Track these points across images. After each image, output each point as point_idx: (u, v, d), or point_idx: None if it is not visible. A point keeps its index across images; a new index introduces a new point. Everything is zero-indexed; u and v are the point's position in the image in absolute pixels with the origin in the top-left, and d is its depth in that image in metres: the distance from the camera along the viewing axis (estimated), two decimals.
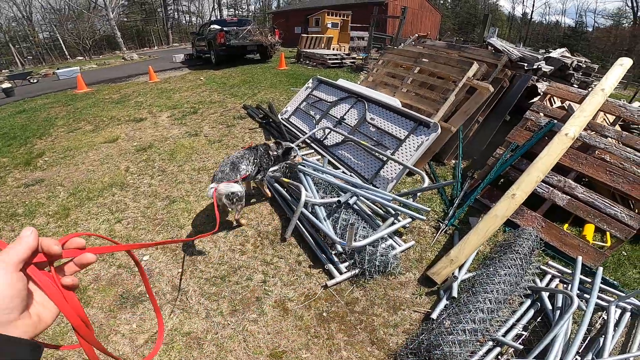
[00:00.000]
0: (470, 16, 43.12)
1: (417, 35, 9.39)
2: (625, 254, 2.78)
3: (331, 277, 2.36)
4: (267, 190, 3.12)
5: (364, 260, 2.39)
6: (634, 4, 35.04)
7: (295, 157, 2.98)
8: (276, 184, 3.18)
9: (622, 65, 3.34)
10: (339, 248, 2.47)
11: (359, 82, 5.76)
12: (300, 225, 2.77)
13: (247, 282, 2.34)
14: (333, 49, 12.31)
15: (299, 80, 7.76)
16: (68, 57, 29.89)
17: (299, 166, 3.11)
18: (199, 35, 12.01)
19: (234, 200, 2.55)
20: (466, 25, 42.59)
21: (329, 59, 9.82)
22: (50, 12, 34.22)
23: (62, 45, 30.80)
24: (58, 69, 13.89)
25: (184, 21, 45.57)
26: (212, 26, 10.99)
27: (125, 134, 5.18)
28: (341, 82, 4.79)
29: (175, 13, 43.42)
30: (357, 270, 2.38)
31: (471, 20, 42.56)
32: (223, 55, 10.18)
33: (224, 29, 9.84)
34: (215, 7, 44.79)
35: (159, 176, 3.81)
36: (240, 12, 48.06)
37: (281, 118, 4.93)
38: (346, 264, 2.44)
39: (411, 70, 4.71)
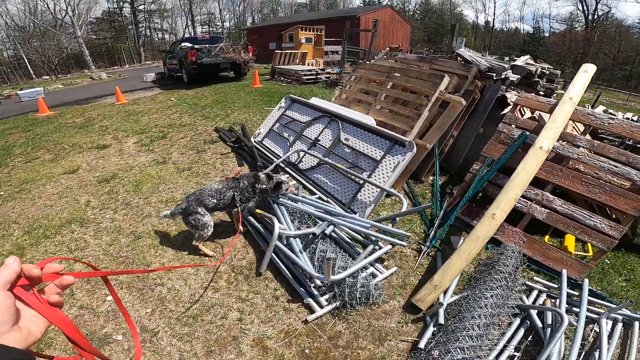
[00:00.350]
0: (438, 26, 44.97)
1: (388, 48, 9.54)
2: (609, 262, 2.78)
3: (311, 311, 2.22)
4: (241, 226, 2.90)
5: (344, 292, 2.26)
6: (585, 8, 37.66)
7: (287, 190, 2.85)
8: (248, 216, 2.98)
9: (587, 71, 3.41)
10: (318, 282, 2.32)
11: (333, 99, 5.70)
12: (275, 258, 2.60)
13: (222, 321, 2.17)
14: (308, 65, 12.33)
15: (273, 99, 7.64)
16: (34, 76, 28.49)
17: (273, 197, 2.93)
18: (170, 53, 11.74)
19: (193, 222, 2.60)
20: (435, 35, 44.36)
21: (304, 75, 9.79)
22: (15, 29, 32.76)
23: (27, 64, 29.45)
24: (21, 89, 13.11)
25: (156, 38, 44.92)
26: (183, 44, 10.75)
27: (87, 163, 4.85)
28: (314, 100, 4.69)
29: (147, 30, 42.75)
30: (338, 303, 2.25)
31: (439, 31, 44.38)
32: (195, 74, 9.94)
33: (196, 46, 9.63)
34: (189, 24, 44.52)
35: (123, 210, 3.54)
36: (214, 29, 48.02)
37: (254, 141, 4.75)
38: (326, 296, 2.30)
39: (384, 85, 4.68)
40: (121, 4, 38.25)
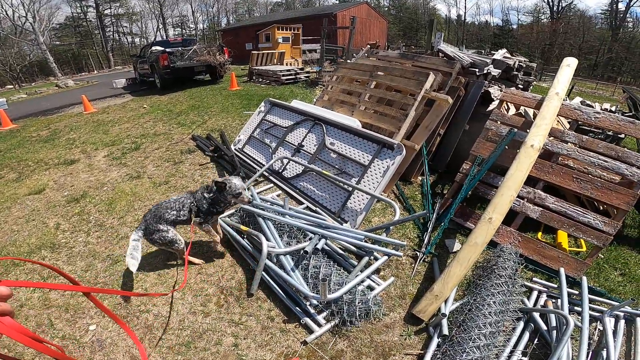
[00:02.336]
0: (412, 21, 45.52)
1: (368, 45, 9.44)
2: (602, 256, 2.77)
3: (310, 331, 2.09)
4: (217, 239, 2.71)
5: (342, 309, 2.15)
6: (549, 0, 39.08)
7: (238, 193, 2.38)
8: (234, 232, 2.77)
9: (569, 65, 3.40)
10: (314, 301, 2.17)
11: (314, 100, 5.52)
12: (266, 276, 2.43)
13: (216, 348, 2.03)
14: (286, 64, 12.08)
15: (252, 102, 7.38)
16: None
17: (258, 210, 2.74)
18: (141, 57, 11.22)
19: (159, 241, 2.45)
20: (410, 30, 44.88)
21: (283, 75, 9.56)
22: None
23: None
24: None
25: (126, 43, 43.12)
26: (154, 48, 10.30)
27: (54, 181, 4.47)
28: (295, 103, 4.50)
29: (116, 34, 40.98)
30: (337, 320, 2.13)
31: (413, 25, 44.94)
32: (168, 79, 9.51)
33: (167, 50, 9.22)
34: (160, 27, 43.02)
35: (97, 232, 3.25)
36: (187, 32, 46.66)
37: (234, 149, 4.52)
38: (324, 314, 2.17)
39: (367, 85, 4.54)
40: (85, 8, 36.50)
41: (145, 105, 8.13)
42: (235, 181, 2.39)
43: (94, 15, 37.15)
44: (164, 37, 37.79)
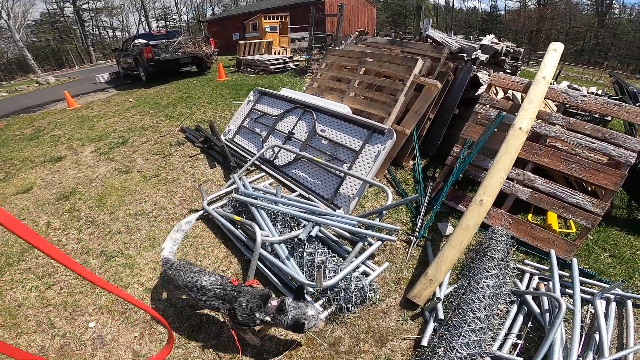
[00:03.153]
0: (400, 7, 45.08)
1: (357, 32, 9.33)
2: (592, 237, 2.82)
3: None
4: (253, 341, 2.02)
5: (339, 296, 2.16)
6: None
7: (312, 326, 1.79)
8: (227, 223, 2.76)
9: (556, 50, 3.41)
10: (311, 289, 2.19)
11: (304, 88, 5.46)
12: (261, 266, 2.43)
13: (216, 339, 2.05)
14: (275, 53, 11.89)
15: (241, 92, 7.25)
16: None
17: (251, 200, 2.72)
18: (124, 51, 10.92)
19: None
20: (398, 16, 44.47)
21: (271, 65, 9.42)
22: None
23: None
24: None
25: (107, 37, 41.77)
26: (136, 41, 10.02)
27: (42, 179, 4.36)
28: (284, 91, 4.44)
29: (95, 29, 39.61)
30: (334, 307, 2.16)
31: (402, 12, 44.53)
32: (154, 72, 9.28)
33: (151, 42, 8.97)
34: (143, 20, 41.71)
35: (88, 228, 3.21)
36: (171, 24, 45.38)
37: (224, 139, 4.46)
38: (321, 301, 2.18)
39: (356, 71, 4.50)
40: (62, 4, 35.10)
41: (130, 99, 7.93)
42: (309, 310, 1.78)
43: (71, 10, 35.78)
44: (147, 30, 36.73)
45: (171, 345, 1.75)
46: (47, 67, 31.90)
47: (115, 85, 10.68)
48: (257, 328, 2.00)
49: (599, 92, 5.25)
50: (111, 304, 2.34)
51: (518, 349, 1.90)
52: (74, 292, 2.47)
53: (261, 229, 2.48)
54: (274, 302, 1.80)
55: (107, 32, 41.76)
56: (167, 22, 45.61)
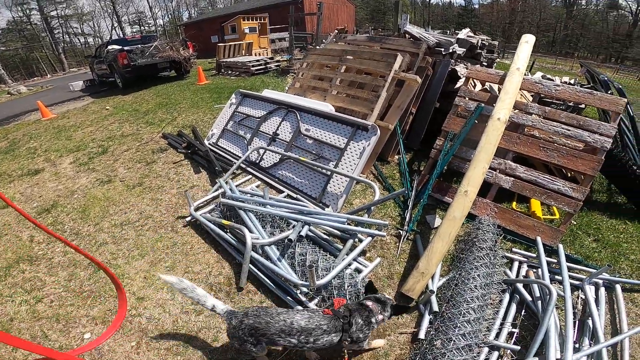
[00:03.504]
0: (379, 4, 45.51)
1: (336, 30, 9.36)
2: (575, 223, 2.90)
3: None
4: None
5: (332, 295, 2.16)
6: None
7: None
8: (216, 228, 2.72)
9: (528, 42, 3.52)
10: (304, 289, 2.19)
11: (286, 88, 5.44)
12: (254, 269, 2.42)
13: (214, 345, 2.02)
14: (255, 55, 11.78)
15: (222, 95, 7.16)
16: None
17: (238, 203, 2.69)
18: (97, 57, 10.59)
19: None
20: (377, 13, 44.88)
21: (252, 66, 9.33)
22: None
23: None
24: None
25: (78, 44, 40.41)
26: (110, 47, 9.74)
27: (21, 193, 4.20)
28: (266, 92, 4.41)
29: (66, 36, 38.25)
30: (329, 304, 2.14)
31: (381, 8, 44.97)
32: (130, 78, 9.04)
33: (125, 48, 8.75)
34: (115, 25, 40.54)
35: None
36: (146, 28, 44.31)
37: (208, 143, 4.39)
38: (315, 300, 2.18)
39: (338, 69, 4.52)
40: (28, 11, 33.77)
41: (108, 107, 7.70)
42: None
43: (39, 18, 34.46)
44: (121, 36, 35.77)
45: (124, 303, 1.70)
46: (17, 76, 30.59)
47: (91, 93, 10.35)
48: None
49: (572, 81, 5.45)
50: (104, 314, 2.30)
51: (514, 337, 1.92)
52: (65, 305, 2.42)
53: (251, 231, 2.46)
54: (369, 302, 1.76)
55: (78, 38, 40.46)
56: (142, 27, 44.55)
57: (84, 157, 4.94)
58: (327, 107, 3.74)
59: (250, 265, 2.38)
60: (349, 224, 2.59)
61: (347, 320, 1.66)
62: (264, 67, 9.62)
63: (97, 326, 2.22)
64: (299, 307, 2.02)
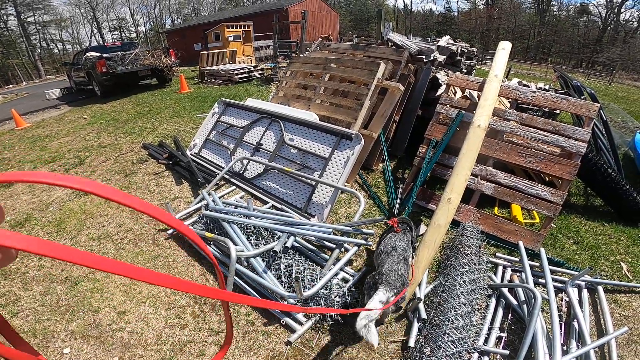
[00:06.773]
0: (362, 13, 46.38)
1: (320, 38, 9.43)
2: (555, 226, 2.98)
3: (292, 330, 2.09)
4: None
5: (320, 305, 2.14)
6: None
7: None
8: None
9: (504, 49, 3.63)
10: (292, 301, 2.14)
11: (270, 96, 5.41)
12: (239, 281, 2.36)
13: (200, 359, 1.96)
14: (239, 63, 11.72)
15: (205, 104, 7.06)
16: None
17: (222, 215, 2.63)
18: (74, 65, 10.29)
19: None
20: (360, 21, 45.70)
21: (236, 74, 9.27)
22: None
23: None
24: None
25: (56, 50, 39.26)
26: (88, 54, 9.48)
27: None
28: (250, 101, 4.37)
29: (43, 42, 37.14)
30: (317, 316, 2.12)
31: (364, 17, 45.83)
32: (109, 86, 8.82)
33: (104, 55, 8.52)
34: (95, 32, 39.67)
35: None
36: (127, 35, 43.54)
37: (190, 154, 4.30)
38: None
39: (321, 77, 4.53)
40: (5, 17, 32.69)
41: (85, 116, 7.46)
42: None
43: (15, 23, 33.37)
44: (101, 42, 34.98)
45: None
46: None
47: (68, 101, 10.01)
48: None
49: (546, 87, 5.64)
50: (83, 329, 2.19)
51: (503, 341, 1.94)
52: (42, 319, 2.31)
53: (235, 244, 2.40)
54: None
55: (56, 45, 39.32)
56: (123, 34, 43.74)
57: (60, 169, 4.75)
58: (312, 116, 3.73)
59: (236, 278, 2.32)
60: (334, 233, 2.57)
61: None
62: (248, 75, 9.58)
63: (76, 341, 2.12)
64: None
